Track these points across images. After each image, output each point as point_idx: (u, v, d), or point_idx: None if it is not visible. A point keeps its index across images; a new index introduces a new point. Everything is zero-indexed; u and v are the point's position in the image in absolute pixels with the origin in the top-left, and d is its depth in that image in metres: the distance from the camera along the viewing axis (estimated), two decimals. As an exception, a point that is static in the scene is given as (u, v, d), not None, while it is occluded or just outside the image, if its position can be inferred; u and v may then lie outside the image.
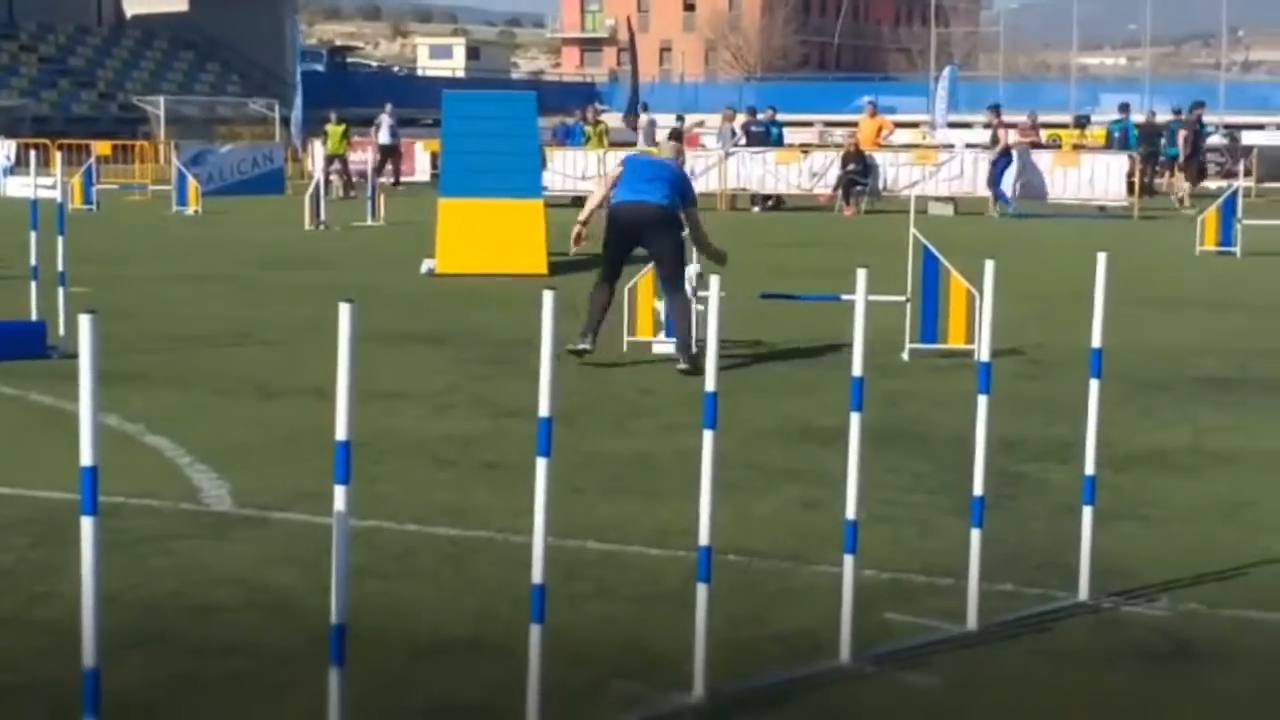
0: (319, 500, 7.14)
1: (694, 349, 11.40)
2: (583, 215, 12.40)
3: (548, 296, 4.61)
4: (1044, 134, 39.04)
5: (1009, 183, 31.92)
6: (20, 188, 35.41)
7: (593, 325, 11.85)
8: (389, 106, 40.33)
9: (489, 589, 6.15)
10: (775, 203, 33.64)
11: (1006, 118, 34.86)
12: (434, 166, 41.12)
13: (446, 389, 10.86)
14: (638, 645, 5.52)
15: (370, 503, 7.15)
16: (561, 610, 5.27)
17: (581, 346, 11.72)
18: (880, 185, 32.78)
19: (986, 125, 36.27)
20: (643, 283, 12.55)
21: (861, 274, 5.35)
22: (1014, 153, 32.30)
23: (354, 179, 36.93)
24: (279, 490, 7.67)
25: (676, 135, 21.98)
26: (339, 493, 4.17)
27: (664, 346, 12.34)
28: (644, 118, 41.76)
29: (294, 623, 5.68)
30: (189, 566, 6.42)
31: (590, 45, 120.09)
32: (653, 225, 11.75)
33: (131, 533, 6.75)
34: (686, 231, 11.97)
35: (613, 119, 43.74)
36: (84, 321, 3.70)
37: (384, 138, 38.91)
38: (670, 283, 11.84)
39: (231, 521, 7.19)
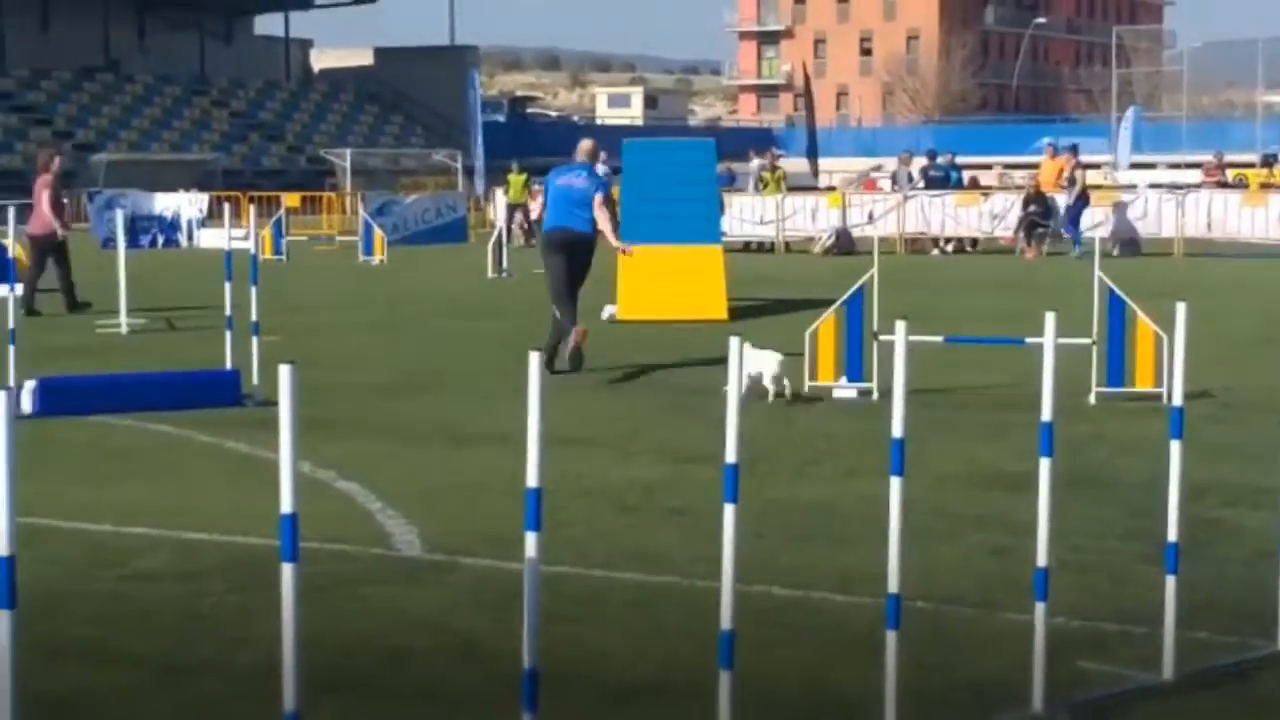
0: (507, 545, 7.23)
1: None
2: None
3: (734, 343, 4.63)
4: (1230, 173, 38.29)
5: (1085, 224, 31.46)
6: (213, 239, 36.37)
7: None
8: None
9: (676, 634, 6.18)
10: (959, 246, 33.41)
11: (1192, 158, 34.29)
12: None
13: (629, 434, 10.92)
14: (826, 691, 5.51)
15: (557, 547, 7.22)
16: (749, 655, 5.27)
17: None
18: (1061, 227, 32.39)
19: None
20: (824, 328, 12.53)
21: (1050, 317, 5.30)
22: (1090, 195, 32.31)
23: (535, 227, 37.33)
24: (467, 535, 7.78)
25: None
26: (530, 539, 4.22)
27: (845, 391, 12.30)
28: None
29: (485, 667, 5.75)
30: (381, 611, 6.53)
31: (767, 91, 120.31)
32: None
33: (325, 578, 6.88)
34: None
35: (791, 164, 43.73)
36: (284, 372, 3.80)
37: None
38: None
39: (422, 566, 7.30)
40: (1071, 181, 32.22)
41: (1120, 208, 32.35)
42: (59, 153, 22.02)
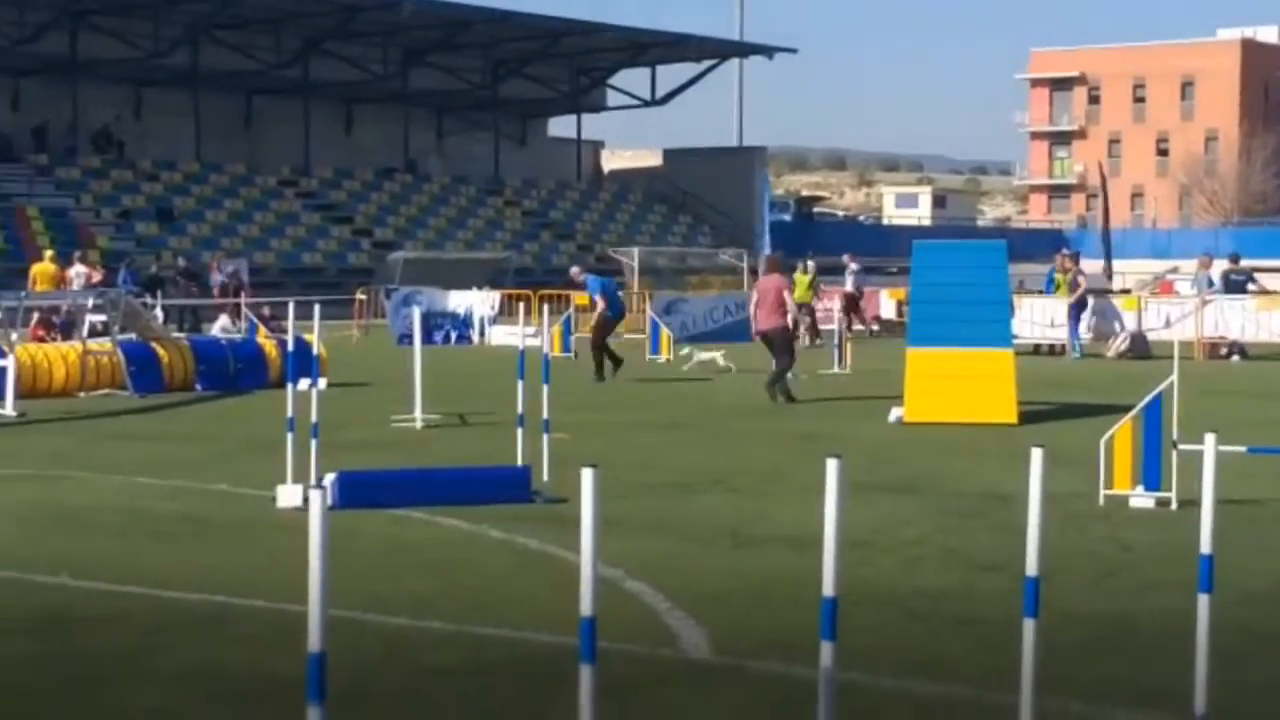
0: (795, 650, 7.17)
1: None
2: None
3: (1036, 455, 4.53)
4: None
5: (1083, 328, 32.89)
6: (504, 336, 37.13)
7: None
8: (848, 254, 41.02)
9: (968, 749, 6.03)
10: (1235, 350, 32.39)
11: None
12: (899, 314, 41.24)
13: (917, 540, 10.77)
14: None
15: (844, 655, 7.11)
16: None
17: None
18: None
19: (1064, 270, 34.76)
20: (1119, 434, 12.21)
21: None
22: (1090, 299, 33.29)
23: (820, 327, 37.33)
24: (755, 638, 7.73)
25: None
26: (825, 649, 4.16)
27: (1142, 501, 11.96)
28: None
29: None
30: (668, 713, 6.51)
31: (1058, 192, 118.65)
32: None
33: (614, 678, 6.90)
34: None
35: (1084, 265, 42.92)
36: (586, 477, 3.83)
37: (848, 285, 39.31)
38: None
39: (710, 669, 7.27)
40: (1074, 287, 32.78)
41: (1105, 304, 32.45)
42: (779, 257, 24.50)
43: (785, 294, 21.84)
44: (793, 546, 10.37)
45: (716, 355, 28.29)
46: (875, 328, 40.80)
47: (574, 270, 28.86)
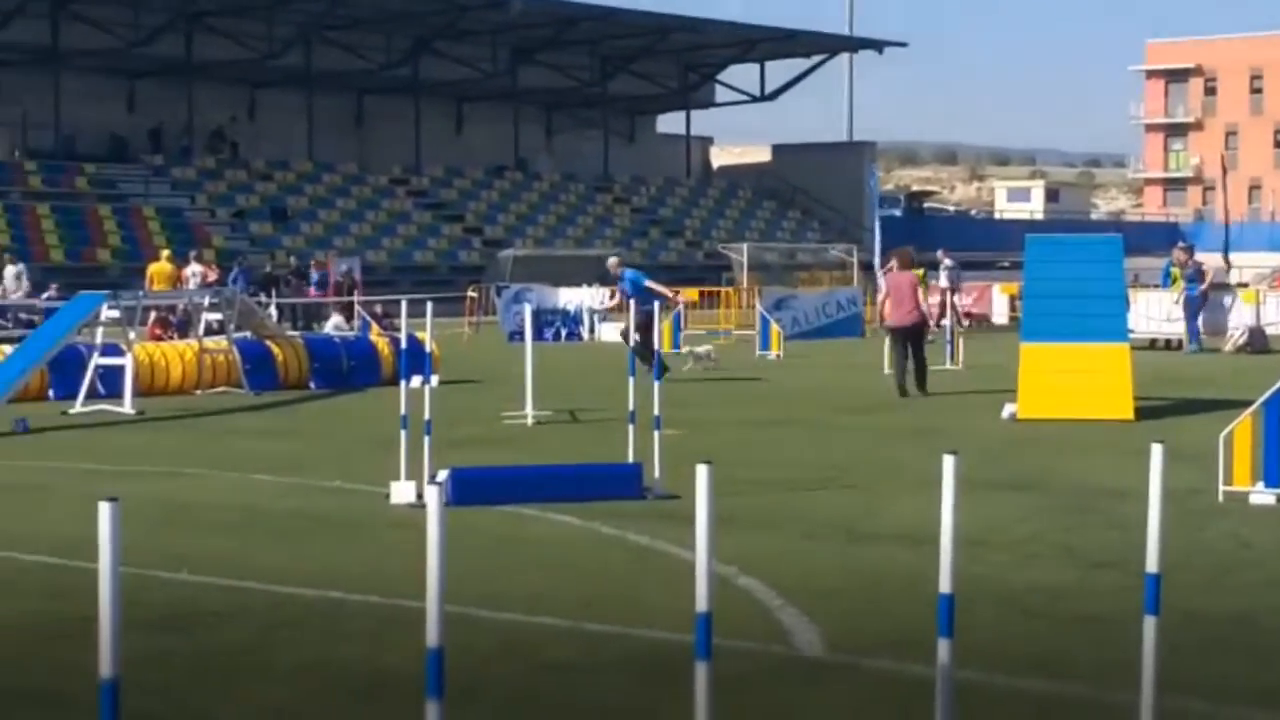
0: (908, 647, 7.14)
1: None
2: None
3: (1156, 450, 4.47)
4: None
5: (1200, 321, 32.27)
6: (613, 333, 37.23)
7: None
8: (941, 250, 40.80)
9: (1086, 749, 5.97)
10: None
11: None
12: (1012, 309, 40.91)
13: (1032, 537, 10.67)
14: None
15: (960, 652, 7.07)
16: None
17: None
18: None
19: (1181, 264, 33.97)
20: (1239, 430, 12.02)
21: None
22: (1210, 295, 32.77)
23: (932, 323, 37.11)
24: (868, 635, 7.69)
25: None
26: (943, 645, 4.13)
27: (1262, 497, 11.78)
28: None
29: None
30: (782, 710, 6.50)
31: (1174, 185, 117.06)
32: None
33: (727, 675, 6.88)
34: None
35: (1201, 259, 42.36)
36: (701, 472, 3.82)
37: (943, 281, 39.08)
38: None
39: (822, 666, 7.25)
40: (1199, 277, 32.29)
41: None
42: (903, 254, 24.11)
43: (919, 289, 22.19)
44: (905, 543, 10.32)
45: (708, 349, 27.72)
46: (966, 324, 40.42)
47: (612, 261, 26.51)
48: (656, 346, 17.48)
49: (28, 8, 56.44)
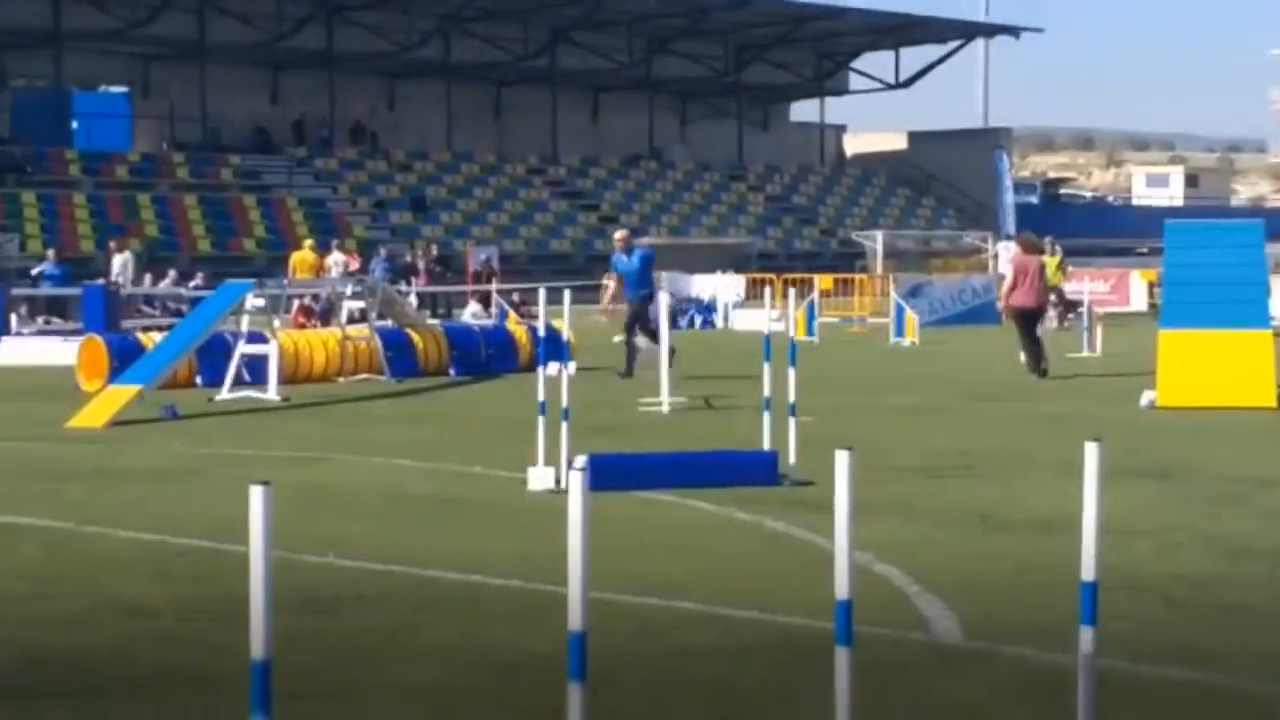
0: (1049, 636, 7.13)
1: None
2: None
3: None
4: None
5: None
6: (747, 321, 37.24)
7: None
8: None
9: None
10: None
11: None
12: (1150, 296, 40.36)
13: (1174, 525, 10.57)
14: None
15: (1101, 641, 7.05)
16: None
17: None
18: None
19: None
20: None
21: None
22: None
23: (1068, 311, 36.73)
24: (1008, 623, 7.68)
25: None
26: (1085, 634, 4.15)
27: None
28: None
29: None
30: (922, 699, 6.52)
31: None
32: None
33: (866, 661, 6.90)
34: None
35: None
36: (840, 458, 3.87)
37: None
38: None
39: (961, 654, 7.26)
40: None
41: None
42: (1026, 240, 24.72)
43: (1043, 274, 22.81)
44: (1044, 531, 10.27)
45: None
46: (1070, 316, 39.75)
47: (620, 234, 24.32)
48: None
49: (175, 2, 57.48)
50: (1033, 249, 23.47)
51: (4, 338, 28.12)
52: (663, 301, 20.06)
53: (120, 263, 36.56)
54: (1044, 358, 22.27)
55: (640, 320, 22.90)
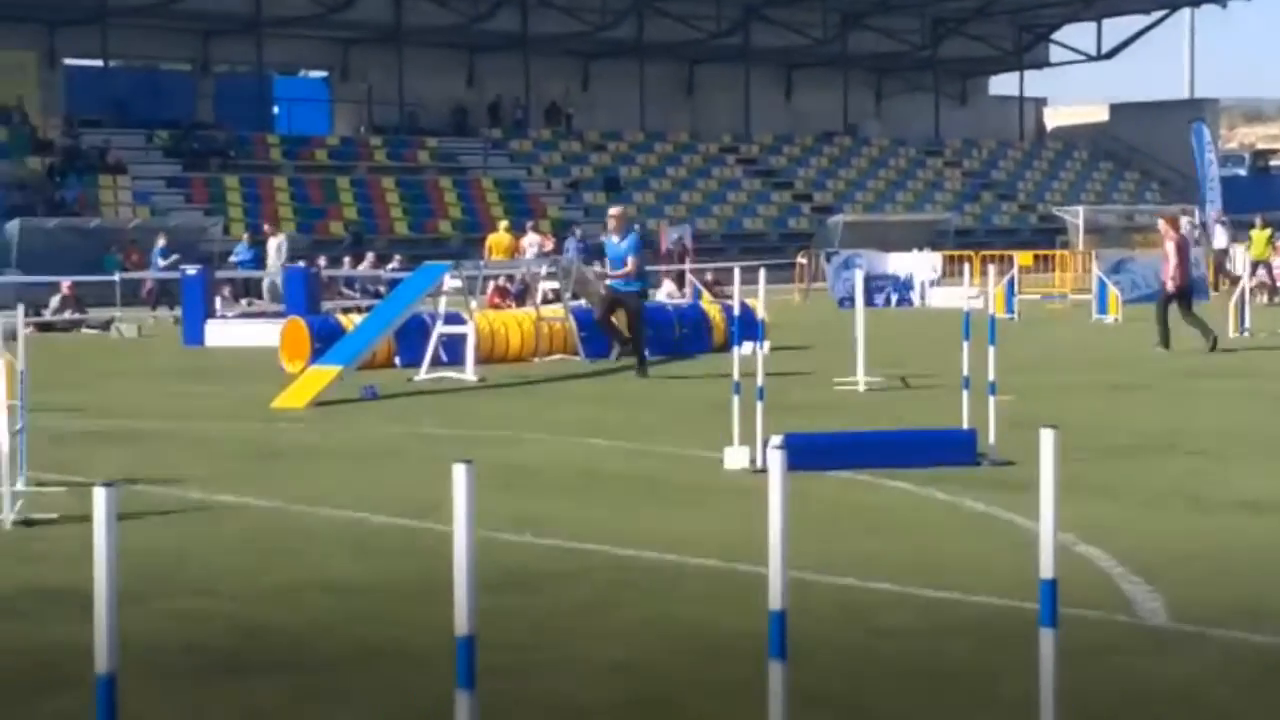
0: (1259, 617, 6.95)
1: None
2: None
3: None
4: None
5: None
6: (944, 299, 36.81)
7: None
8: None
9: None
10: None
11: None
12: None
13: (1390, 507, 10.23)
14: None
15: (1314, 626, 6.86)
16: None
17: None
18: None
19: None
20: None
21: None
22: None
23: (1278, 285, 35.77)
24: (1215, 605, 7.49)
25: None
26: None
27: None
28: None
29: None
30: (1129, 681, 6.39)
31: None
32: None
33: (1069, 643, 6.77)
34: None
35: None
36: (1046, 437, 3.79)
37: (1218, 242, 37.59)
38: None
39: (1168, 636, 7.09)
40: None
41: None
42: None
43: (1187, 253, 23.52)
44: (1253, 511, 10.01)
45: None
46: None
47: (615, 210, 21.49)
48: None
49: (369, -13, 58.47)
50: (1178, 226, 24.03)
51: (209, 321, 28.78)
52: (858, 277, 19.89)
53: (275, 246, 37.03)
54: (1209, 330, 22.65)
55: (631, 317, 20.32)
